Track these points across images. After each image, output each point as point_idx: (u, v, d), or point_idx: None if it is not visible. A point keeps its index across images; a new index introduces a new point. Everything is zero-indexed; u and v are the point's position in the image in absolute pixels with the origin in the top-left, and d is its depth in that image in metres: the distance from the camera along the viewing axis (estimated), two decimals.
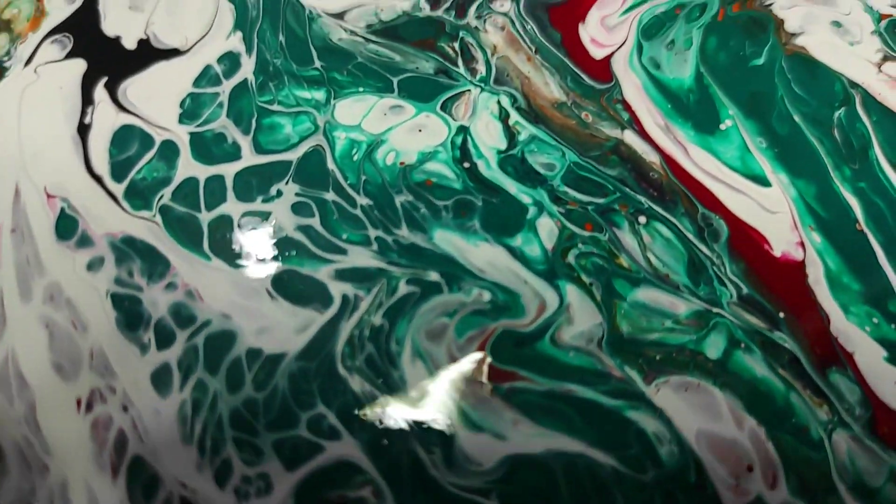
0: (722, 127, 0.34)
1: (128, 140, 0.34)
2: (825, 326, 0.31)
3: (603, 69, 0.35)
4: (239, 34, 0.36)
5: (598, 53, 0.36)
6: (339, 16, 0.36)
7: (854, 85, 0.35)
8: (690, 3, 0.37)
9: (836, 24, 0.36)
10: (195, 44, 0.36)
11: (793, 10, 0.37)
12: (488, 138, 0.34)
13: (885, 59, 0.36)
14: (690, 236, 0.32)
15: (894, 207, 0.32)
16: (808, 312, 0.31)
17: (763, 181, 0.33)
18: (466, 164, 0.33)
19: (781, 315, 0.31)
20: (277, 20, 0.36)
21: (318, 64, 0.35)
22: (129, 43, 0.36)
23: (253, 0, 0.37)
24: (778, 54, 0.35)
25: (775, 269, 0.32)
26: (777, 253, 0.32)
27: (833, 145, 0.33)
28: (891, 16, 0.37)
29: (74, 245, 0.32)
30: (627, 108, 0.34)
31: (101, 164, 0.33)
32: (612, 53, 0.36)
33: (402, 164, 0.33)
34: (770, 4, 0.37)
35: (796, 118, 0.34)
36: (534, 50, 0.36)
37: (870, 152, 0.33)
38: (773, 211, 0.32)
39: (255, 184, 0.33)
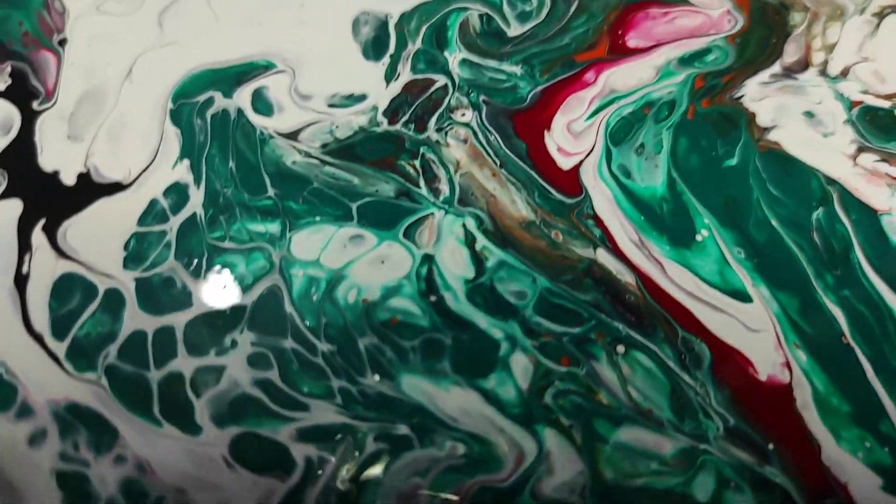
0: (698, 238, 0.33)
1: (69, 290, 0.32)
2: (817, 456, 0.29)
3: (572, 181, 0.34)
4: (186, 162, 0.34)
5: (565, 164, 0.34)
6: (293, 135, 0.35)
7: (831, 181, 0.33)
8: (659, 101, 0.35)
9: (809, 114, 0.35)
10: (139, 175, 0.34)
11: (763, 101, 0.35)
12: (455, 267, 0.32)
13: (860, 150, 0.35)
14: (672, 364, 0.30)
15: (879, 315, 0.31)
16: (798, 442, 0.29)
17: (743, 296, 0.31)
18: (433, 298, 0.31)
19: (770, 447, 0.29)
20: (227, 144, 0.34)
21: (271, 192, 0.33)
22: (69, 178, 0.34)
23: (200, 123, 0.35)
24: (751, 153, 0.34)
25: (761, 395, 0.30)
26: (762, 376, 0.30)
27: (813, 251, 0.32)
28: (862, 102, 0.36)
29: (14, 416, 0.30)
30: (599, 223, 0.33)
31: (41, 320, 0.31)
32: (581, 163, 0.34)
33: (364, 301, 0.31)
34: (740, 97, 0.35)
35: (774, 223, 0.33)
36: (499, 164, 0.34)
37: (851, 255, 0.32)
38: (755, 329, 0.31)
39: (207, 335, 0.31)
